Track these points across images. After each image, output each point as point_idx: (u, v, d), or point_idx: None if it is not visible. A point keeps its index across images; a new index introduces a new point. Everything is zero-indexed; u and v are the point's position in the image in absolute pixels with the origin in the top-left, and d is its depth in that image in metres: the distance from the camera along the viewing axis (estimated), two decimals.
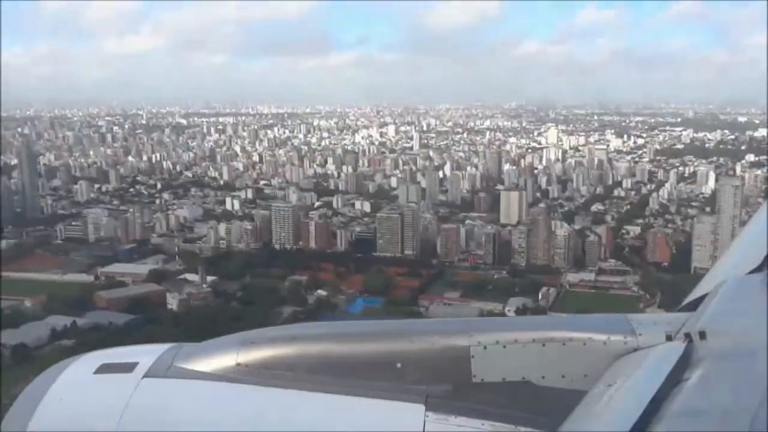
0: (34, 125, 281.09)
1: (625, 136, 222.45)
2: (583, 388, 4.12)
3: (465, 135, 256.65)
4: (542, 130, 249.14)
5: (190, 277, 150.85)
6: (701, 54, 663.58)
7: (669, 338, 4.19)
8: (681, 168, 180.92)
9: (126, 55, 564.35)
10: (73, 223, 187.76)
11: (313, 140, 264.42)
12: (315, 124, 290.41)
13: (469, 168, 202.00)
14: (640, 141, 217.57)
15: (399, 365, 4.39)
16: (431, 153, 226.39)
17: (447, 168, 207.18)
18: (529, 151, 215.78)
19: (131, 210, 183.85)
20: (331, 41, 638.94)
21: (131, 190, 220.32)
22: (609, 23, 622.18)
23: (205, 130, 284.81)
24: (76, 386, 4.55)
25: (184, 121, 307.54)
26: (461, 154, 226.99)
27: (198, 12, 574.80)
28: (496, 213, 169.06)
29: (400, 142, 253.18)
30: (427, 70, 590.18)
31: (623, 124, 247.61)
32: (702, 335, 3.88)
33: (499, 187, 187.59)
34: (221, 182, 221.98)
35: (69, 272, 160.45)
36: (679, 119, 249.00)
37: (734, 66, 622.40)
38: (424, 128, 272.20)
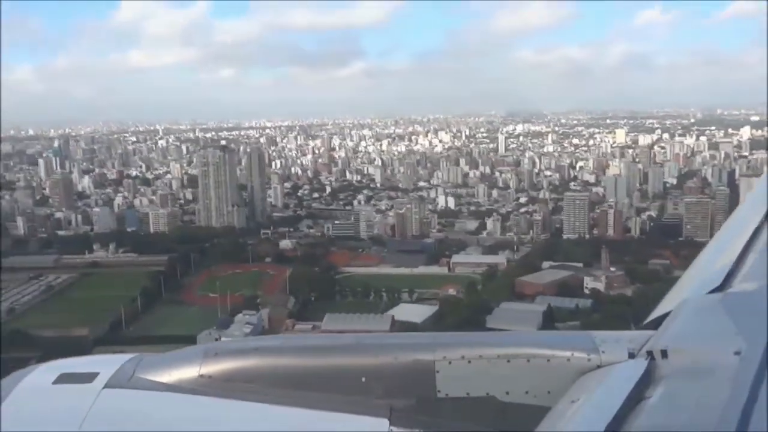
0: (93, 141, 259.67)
1: (688, 135, 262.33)
2: (547, 404, 4.09)
3: (521, 138, 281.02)
4: (590, 132, 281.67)
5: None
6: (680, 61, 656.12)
7: (631, 356, 4.19)
8: None
9: (119, 71, 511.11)
10: (336, 222, 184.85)
11: (383, 146, 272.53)
12: (352, 133, 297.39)
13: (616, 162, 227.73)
14: (703, 139, 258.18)
15: (363, 379, 4.28)
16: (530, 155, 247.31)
17: (586, 164, 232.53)
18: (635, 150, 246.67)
19: (408, 206, 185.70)
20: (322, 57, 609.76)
21: (298, 194, 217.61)
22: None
23: (263, 141, 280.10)
24: (33, 397, 4.29)
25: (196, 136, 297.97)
26: (555, 153, 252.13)
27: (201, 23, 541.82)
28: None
29: (472, 146, 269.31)
30: (413, 85, 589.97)
31: (651, 125, 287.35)
32: (664, 354, 3.89)
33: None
34: (377, 185, 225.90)
35: (417, 266, 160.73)
36: (692, 120, 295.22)
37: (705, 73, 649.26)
38: (464, 135, 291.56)
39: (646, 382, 3.66)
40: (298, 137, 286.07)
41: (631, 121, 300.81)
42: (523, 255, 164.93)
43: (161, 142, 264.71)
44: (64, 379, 4.40)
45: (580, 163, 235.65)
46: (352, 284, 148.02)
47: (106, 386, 4.29)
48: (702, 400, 3.30)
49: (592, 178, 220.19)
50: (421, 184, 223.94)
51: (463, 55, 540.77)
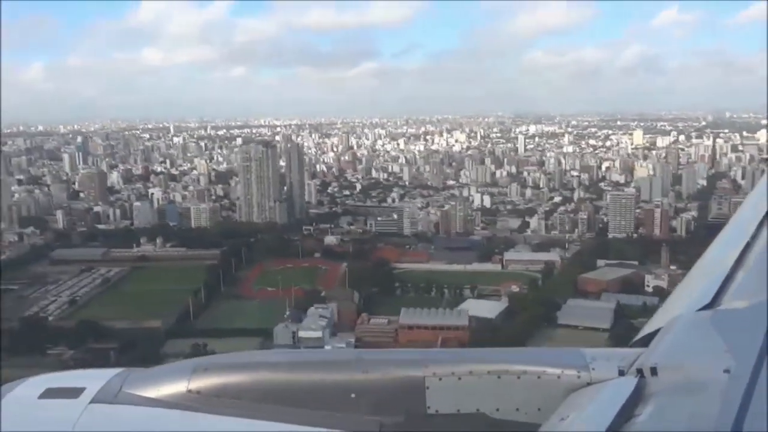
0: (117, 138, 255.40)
1: (705, 137, 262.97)
2: (537, 421, 4.05)
3: (536, 139, 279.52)
4: (604, 133, 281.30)
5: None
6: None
7: (622, 373, 4.15)
8: None
9: (131, 70, 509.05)
10: (379, 219, 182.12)
11: (401, 145, 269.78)
12: (366, 131, 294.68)
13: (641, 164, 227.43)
14: (720, 141, 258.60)
15: (353, 395, 4.20)
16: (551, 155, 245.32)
17: (612, 165, 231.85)
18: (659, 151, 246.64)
19: (452, 203, 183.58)
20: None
21: (328, 191, 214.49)
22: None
23: (279, 139, 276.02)
24: (19, 412, 4.17)
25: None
26: (576, 154, 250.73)
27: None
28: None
29: (490, 146, 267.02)
30: (423, 85, 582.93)
31: (663, 127, 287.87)
32: (653, 371, 3.83)
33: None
34: (406, 183, 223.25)
35: (469, 262, 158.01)
36: (703, 122, 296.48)
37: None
38: (479, 135, 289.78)
39: (635, 399, 3.61)
40: (313, 135, 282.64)
41: (642, 123, 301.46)
42: (575, 253, 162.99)
43: (177, 139, 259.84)
44: (50, 393, 4.27)
45: (606, 164, 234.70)
46: (411, 280, 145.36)
47: (92, 401, 4.15)
48: (691, 417, 3.24)
49: (620, 179, 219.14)
50: (449, 182, 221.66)
51: (476, 56, 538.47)
